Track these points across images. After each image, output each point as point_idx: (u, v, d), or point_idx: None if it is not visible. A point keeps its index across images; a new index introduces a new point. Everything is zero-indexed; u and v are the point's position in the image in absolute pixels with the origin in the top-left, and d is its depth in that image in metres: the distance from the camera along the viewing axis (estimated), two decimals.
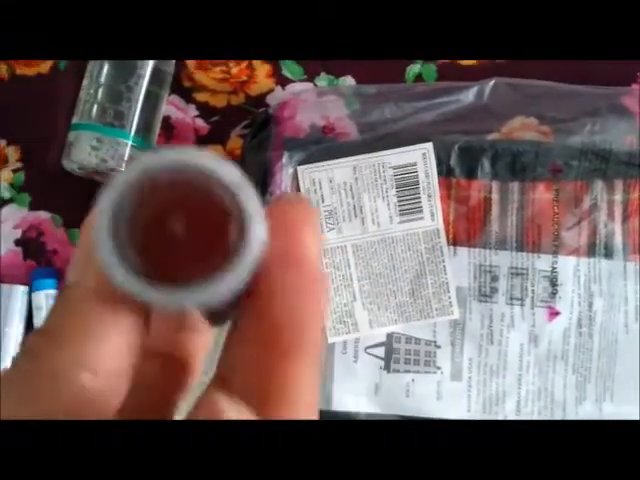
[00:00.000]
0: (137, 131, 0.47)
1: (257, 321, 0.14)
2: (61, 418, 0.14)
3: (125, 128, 0.46)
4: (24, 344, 0.15)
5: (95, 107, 0.46)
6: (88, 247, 0.14)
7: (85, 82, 0.47)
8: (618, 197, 0.43)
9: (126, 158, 0.46)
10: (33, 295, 0.48)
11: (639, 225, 0.43)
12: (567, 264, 0.43)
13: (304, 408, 0.15)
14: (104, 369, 0.14)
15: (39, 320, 0.47)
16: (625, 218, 0.43)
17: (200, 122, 0.50)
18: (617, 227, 0.43)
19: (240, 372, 0.15)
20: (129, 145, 0.46)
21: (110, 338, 0.14)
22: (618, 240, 0.43)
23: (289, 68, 0.49)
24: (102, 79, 0.47)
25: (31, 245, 0.49)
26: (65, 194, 0.49)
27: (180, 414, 0.16)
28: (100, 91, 0.47)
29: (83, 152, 0.46)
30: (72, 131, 0.47)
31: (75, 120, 0.47)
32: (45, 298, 0.47)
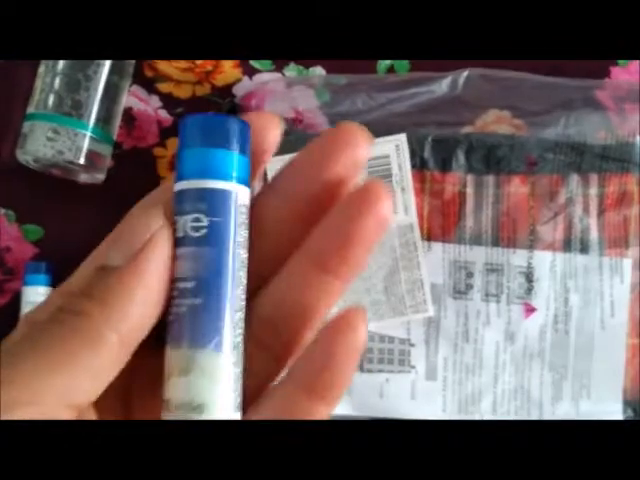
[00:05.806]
0: (96, 122, 0.44)
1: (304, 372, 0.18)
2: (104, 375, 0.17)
3: (83, 118, 0.44)
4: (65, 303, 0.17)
5: (51, 96, 0.44)
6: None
7: (41, 70, 0.45)
8: (593, 191, 0.42)
9: (84, 150, 0.44)
10: None
11: (614, 219, 0.43)
12: (543, 259, 0.42)
13: None
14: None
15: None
16: (601, 212, 0.42)
17: (163, 114, 0.47)
18: (593, 221, 0.42)
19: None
20: (87, 136, 0.44)
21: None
22: (594, 235, 0.42)
23: None
24: (59, 67, 0.44)
25: None
26: (19, 188, 0.46)
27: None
28: (57, 80, 0.44)
29: (38, 143, 0.43)
30: (27, 121, 0.44)
31: (30, 110, 0.44)
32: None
